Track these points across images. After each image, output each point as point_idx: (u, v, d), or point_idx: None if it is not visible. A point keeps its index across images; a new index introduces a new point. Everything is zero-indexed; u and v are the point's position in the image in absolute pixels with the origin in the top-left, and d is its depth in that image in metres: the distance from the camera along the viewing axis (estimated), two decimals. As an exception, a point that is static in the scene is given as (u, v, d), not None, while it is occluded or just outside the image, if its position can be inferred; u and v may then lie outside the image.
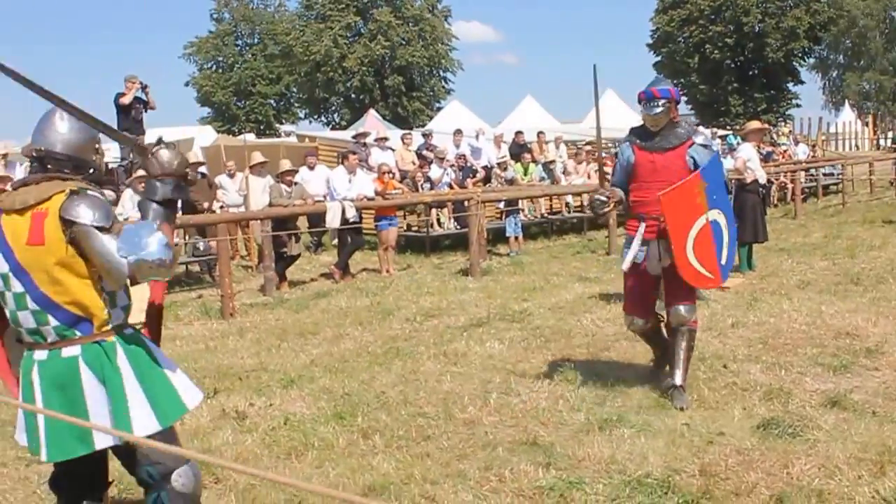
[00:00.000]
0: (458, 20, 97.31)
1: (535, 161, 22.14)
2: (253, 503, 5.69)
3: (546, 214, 22.13)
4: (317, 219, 16.69)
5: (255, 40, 72.43)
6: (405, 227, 19.59)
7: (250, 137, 36.24)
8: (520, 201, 19.92)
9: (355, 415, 7.37)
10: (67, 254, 4.05)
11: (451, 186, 19.95)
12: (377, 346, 10.11)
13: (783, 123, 47.60)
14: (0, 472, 6.44)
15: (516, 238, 19.07)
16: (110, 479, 4.80)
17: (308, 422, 7.23)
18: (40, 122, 4.33)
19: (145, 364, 4.29)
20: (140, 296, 4.70)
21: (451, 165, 20.89)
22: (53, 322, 4.11)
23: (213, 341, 10.69)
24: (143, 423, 4.18)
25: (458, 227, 19.17)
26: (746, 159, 14.22)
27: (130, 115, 17.63)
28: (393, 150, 21.14)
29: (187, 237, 15.66)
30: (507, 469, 6.04)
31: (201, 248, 15.39)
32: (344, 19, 62.31)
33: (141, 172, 15.37)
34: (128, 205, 15.08)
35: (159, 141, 4.37)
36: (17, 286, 4.13)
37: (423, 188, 19.16)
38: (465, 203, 17.10)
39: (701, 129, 8.63)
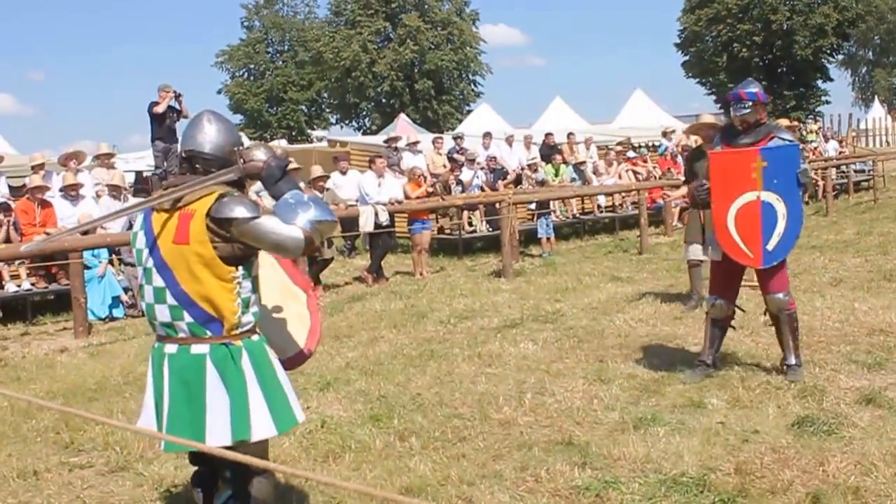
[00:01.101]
0: (485, 23, 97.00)
1: (565, 162, 22.16)
2: (292, 505, 5.77)
3: (578, 215, 22.19)
4: (350, 223, 16.78)
5: (286, 47, 72.59)
6: (438, 230, 19.64)
7: (283, 144, 36.41)
8: (551, 202, 19.96)
9: (391, 417, 7.42)
10: (208, 253, 4.30)
11: (482, 189, 20.00)
12: (412, 348, 10.16)
13: (812, 120, 47.30)
14: (44, 476, 6.52)
15: (548, 239, 19.14)
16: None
17: (345, 424, 7.28)
18: (190, 127, 4.63)
19: (268, 372, 4.52)
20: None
21: (482, 168, 20.94)
22: (188, 318, 4.37)
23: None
24: (262, 426, 4.42)
25: (490, 229, 19.22)
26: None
27: (164, 124, 17.85)
28: (423, 153, 21.22)
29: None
30: (543, 469, 6.07)
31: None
32: (373, 25, 62.43)
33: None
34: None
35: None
36: (158, 281, 4.41)
37: (454, 191, 19.22)
38: (497, 205, 17.17)
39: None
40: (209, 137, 4.54)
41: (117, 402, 8.47)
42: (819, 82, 65.10)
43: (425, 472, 6.14)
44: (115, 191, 14.94)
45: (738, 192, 7.88)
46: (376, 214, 15.57)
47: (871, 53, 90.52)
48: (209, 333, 4.38)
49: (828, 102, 65.54)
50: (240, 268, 4.38)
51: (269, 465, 3.44)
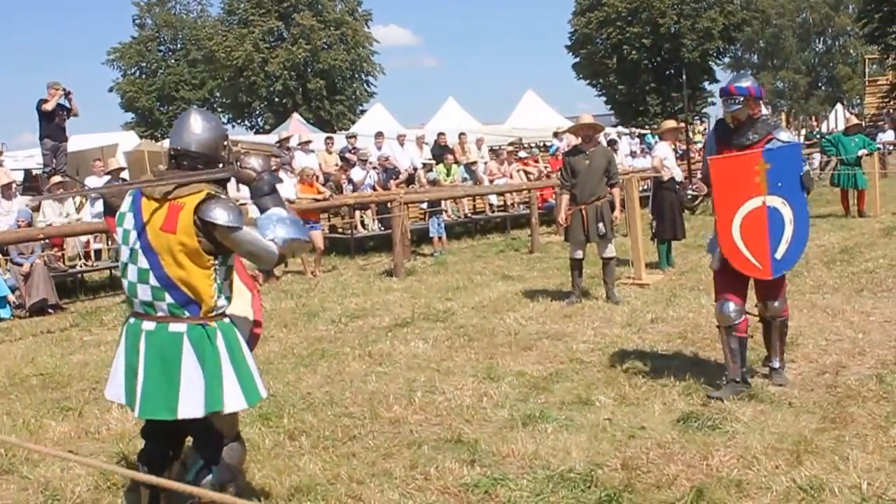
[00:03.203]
0: (377, 24, 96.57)
1: (457, 162, 22.24)
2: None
3: (469, 214, 22.27)
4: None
5: (178, 46, 71.87)
6: (329, 229, 19.55)
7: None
8: (443, 202, 20.00)
9: (281, 416, 7.38)
10: (193, 244, 4.62)
11: (374, 188, 19.96)
12: (303, 347, 10.12)
13: (699, 122, 48.19)
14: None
15: (440, 238, 19.16)
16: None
17: (233, 424, 7.20)
18: (177, 125, 4.93)
19: (237, 351, 4.85)
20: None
21: (374, 167, 20.90)
22: (169, 299, 4.70)
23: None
24: (234, 400, 4.77)
25: (382, 228, 19.18)
26: (663, 157, 14.42)
27: (53, 122, 17.51)
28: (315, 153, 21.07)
29: (110, 242, 15.54)
30: (433, 467, 6.08)
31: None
32: (266, 24, 61.97)
33: (57, 179, 15.25)
34: (48, 211, 14.93)
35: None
36: (143, 262, 4.71)
37: (346, 190, 19.14)
38: (389, 204, 17.13)
39: (785, 127, 8.84)
40: (195, 136, 4.80)
41: (2, 404, 8.30)
42: (706, 84, 66.32)
43: (315, 472, 6.13)
44: (7, 189, 14.72)
45: (742, 199, 7.39)
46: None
47: (756, 56, 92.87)
48: (187, 314, 4.70)
49: (714, 104, 66.81)
50: (218, 256, 4.73)
51: (146, 477, 3.43)
